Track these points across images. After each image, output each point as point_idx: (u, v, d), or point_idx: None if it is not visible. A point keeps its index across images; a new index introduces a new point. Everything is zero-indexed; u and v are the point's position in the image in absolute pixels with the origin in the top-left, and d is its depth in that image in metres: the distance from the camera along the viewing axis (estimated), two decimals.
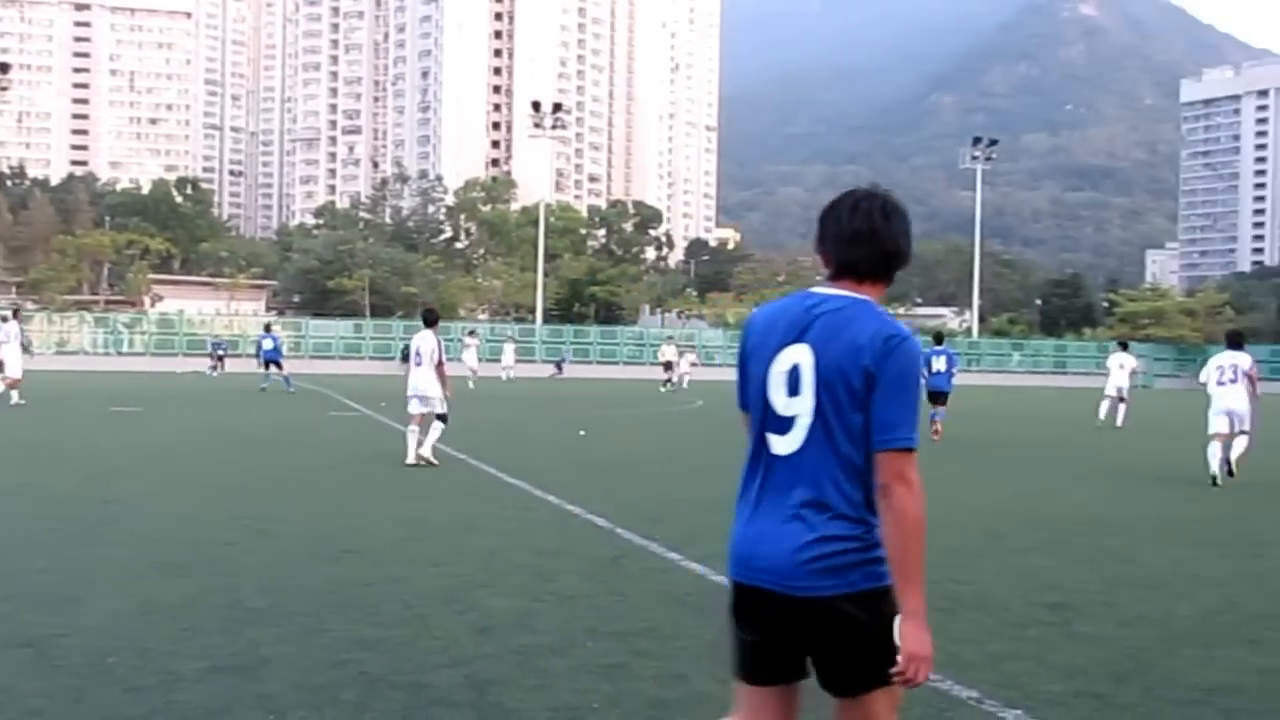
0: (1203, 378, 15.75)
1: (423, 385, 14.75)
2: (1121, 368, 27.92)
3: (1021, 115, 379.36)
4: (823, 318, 2.89)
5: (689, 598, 7.11)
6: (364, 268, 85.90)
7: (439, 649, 5.78)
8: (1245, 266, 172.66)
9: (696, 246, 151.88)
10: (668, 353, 49.23)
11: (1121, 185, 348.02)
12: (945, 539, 9.60)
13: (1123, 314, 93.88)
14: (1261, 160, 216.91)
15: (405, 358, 14.86)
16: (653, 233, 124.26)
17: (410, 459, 14.56)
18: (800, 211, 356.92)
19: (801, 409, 2.86)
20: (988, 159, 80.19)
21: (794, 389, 2.87)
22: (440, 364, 14.82)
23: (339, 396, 32.95)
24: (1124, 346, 30.11)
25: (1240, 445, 15.26)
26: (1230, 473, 14.88)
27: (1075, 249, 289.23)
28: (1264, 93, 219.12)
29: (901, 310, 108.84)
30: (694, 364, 52.75)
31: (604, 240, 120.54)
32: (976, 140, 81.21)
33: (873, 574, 2.80)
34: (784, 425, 2.88)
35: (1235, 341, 16.07)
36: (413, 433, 14.77)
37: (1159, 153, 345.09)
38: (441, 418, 14.85)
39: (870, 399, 2.79)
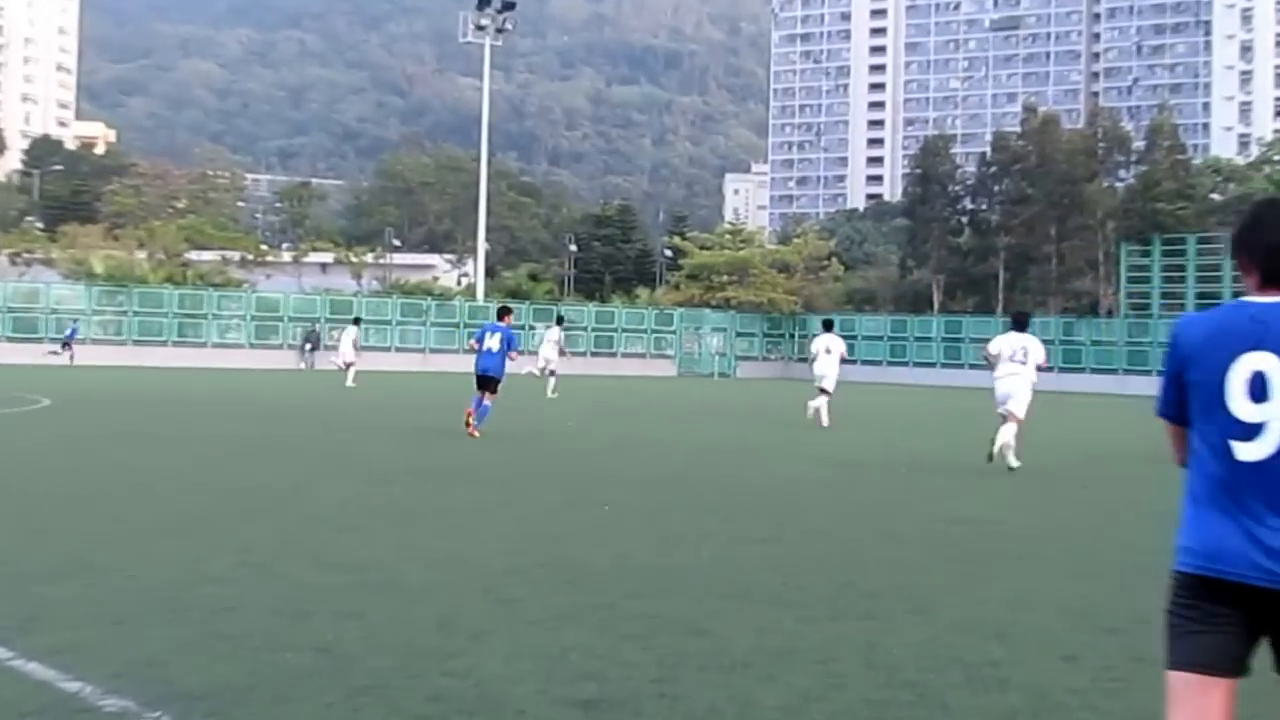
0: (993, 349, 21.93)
1: None
2: (829, 353, 31.59)
3: None
4: (1277, 324, 4.24)
5: (25, 718, 6.85)
6: None
7: None
8: (859, 202, 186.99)
9: (44, 149, 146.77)
10: None
11: (689, 78, 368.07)
12: (435, 608, 9.77)
13: (692, 268, 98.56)
14: (879, 50, 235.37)
15: None
16: None
17: None
18: (214, 99, 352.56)
19: (1271, 414, 4.19)
20: (499, 31, 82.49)
21: (1259, 395, 4.21)
22: None
23: None
24: (828, 326, 34.09)
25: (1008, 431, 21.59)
26: (990, 457, 21.56)
27: (625, 170, 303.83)
28: None
29: (370, 257, 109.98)
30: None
31: None
32: (484, 3, 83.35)
33: None
34: (1251, 432, 4.22)
35: (1020, 323, 22.39)
36: None
37: (742, 34, 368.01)
38: None
39: None
